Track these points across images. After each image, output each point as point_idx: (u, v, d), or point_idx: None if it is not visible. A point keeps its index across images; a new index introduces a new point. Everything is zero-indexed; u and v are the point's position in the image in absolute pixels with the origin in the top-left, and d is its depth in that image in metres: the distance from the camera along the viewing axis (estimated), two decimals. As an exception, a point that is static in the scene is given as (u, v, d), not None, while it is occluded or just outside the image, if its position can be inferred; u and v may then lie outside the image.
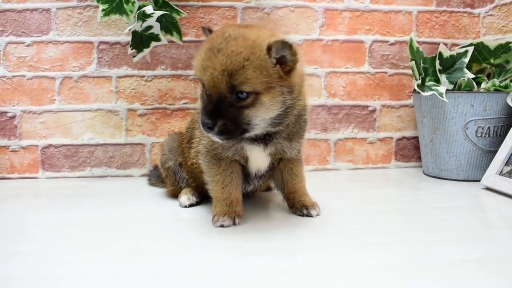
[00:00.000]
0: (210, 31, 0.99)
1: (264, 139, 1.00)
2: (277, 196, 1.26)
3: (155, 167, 1.51)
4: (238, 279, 0.73)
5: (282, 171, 1.12)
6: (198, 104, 0.93)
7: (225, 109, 0.88)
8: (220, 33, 0.90)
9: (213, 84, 0.87)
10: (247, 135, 0.94)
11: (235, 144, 1.01)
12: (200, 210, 1.16)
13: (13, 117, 1.60)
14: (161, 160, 1.30)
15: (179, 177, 1.25)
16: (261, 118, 0.91)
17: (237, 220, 1.01)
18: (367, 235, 0.95)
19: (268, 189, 1.38)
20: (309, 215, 1.07)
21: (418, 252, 0.84)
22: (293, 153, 1.07)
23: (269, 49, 0.88)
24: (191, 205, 1.19)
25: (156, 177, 1.45)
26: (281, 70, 0.90)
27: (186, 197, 1.19)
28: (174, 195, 1.28)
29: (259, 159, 1.05)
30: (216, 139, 0.93)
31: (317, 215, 1.08)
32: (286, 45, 0.87)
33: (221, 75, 0.86)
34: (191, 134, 1.19)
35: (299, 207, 1.09)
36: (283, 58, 0.90)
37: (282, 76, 0.90)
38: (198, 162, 1.12)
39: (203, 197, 1.21)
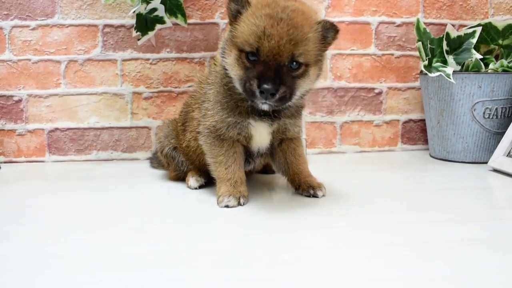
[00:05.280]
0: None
1: (270, 116, 1.01)
2: (281, 179, 1.26)
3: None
4: (243, 257, 0.73)
5: (285, 152, 1.12)
6: (234, 70, 0.94)
7: (284, 77, 0.90)
8: (273, 3, 0.91)
9: (277, 52, 0.88)
10: (286, 105, 0.97)
11: (241, 122, 1.02)
12: (205, 191, 1.17)
13: (19, 101, 1.60)
14: (159, 148, 1.31)
15: (178, 161, 1.26)
16: (304, 89, 0.97)
17: (242, 200, 1.02)
18: (373, 215, 0.94)
19: (266, 171, 1.39)
20: (315, 196, 1.07)
21: (424, 231, 0.84)
22: (296, 130, 1.09)
23: (321, 25, 0.94)
24: (200, 186, 1.20)
25: (158, 161, 1.45)
26: (323, 46, 0.96)
27: (194, 179, 1.20)
28: (178, 179, 1.29)
29: (263, 137, 1.06)
30: (266, 107, 0.94)
31: (323, 195, 1.08)
32: (333, 27, 0.95)
33: (288, 44, 0.88)
34: (186, 117, 1.20)
35: (305, 187, 1.09)
36: (326, 37, 0.96)
37: (323, 52, 0.97)
38: (193, 145, 1.14)
39: (209, 178, 1.20)
